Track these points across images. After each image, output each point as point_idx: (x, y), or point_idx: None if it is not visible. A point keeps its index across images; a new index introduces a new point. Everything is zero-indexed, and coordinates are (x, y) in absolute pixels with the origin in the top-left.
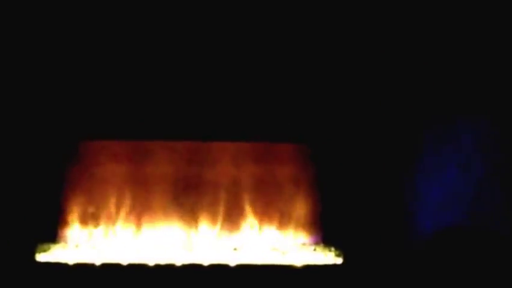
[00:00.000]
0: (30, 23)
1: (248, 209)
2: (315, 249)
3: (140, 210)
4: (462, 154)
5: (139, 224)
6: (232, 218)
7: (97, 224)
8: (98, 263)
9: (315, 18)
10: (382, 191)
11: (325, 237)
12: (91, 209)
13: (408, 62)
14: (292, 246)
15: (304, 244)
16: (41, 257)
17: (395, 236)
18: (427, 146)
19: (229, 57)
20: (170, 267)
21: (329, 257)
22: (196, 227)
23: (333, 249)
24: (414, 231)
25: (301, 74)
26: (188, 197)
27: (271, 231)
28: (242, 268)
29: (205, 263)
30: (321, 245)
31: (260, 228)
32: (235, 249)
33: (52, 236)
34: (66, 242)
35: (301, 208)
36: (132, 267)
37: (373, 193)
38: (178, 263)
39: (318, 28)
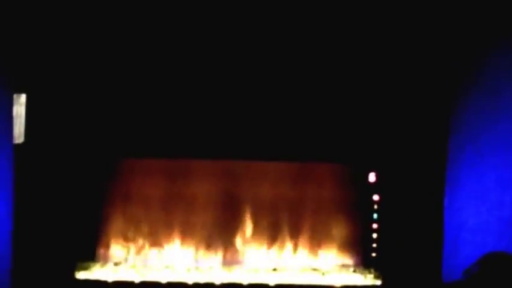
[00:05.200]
0: (71, 40)
1: (288, 229)
2: (354, 271)
3: (179, 229)
4: (502, 166)
5: (177, 243)
6: (271, 238)
7: (136, 243)
8: (137, 281)
9: (354, 39)
10: (422, 212)
11: (365, 259)
12: (130, 228)
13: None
14: (332, 267)
15: (344, 265)
16: (80, 275)
17: (434, 259)
18: (466, 163)
19: (270, 77)
20: (209, 286)
21: (368, 279)
22: (235, 246)
23: (372, 270)
24: (455, 255)
25: (341, 93)
26: (228, 217)
27: (310, 251)
28: None
29: (245, 283)
30: (361, 266)
31: (300, 249)
32: (274, 269)
33: (92, 254)
34: (105, 261)
35: (341, 229)
36: (171, 285)
37: (414, 215)
38: (217, 282)
39: (363, 52)
